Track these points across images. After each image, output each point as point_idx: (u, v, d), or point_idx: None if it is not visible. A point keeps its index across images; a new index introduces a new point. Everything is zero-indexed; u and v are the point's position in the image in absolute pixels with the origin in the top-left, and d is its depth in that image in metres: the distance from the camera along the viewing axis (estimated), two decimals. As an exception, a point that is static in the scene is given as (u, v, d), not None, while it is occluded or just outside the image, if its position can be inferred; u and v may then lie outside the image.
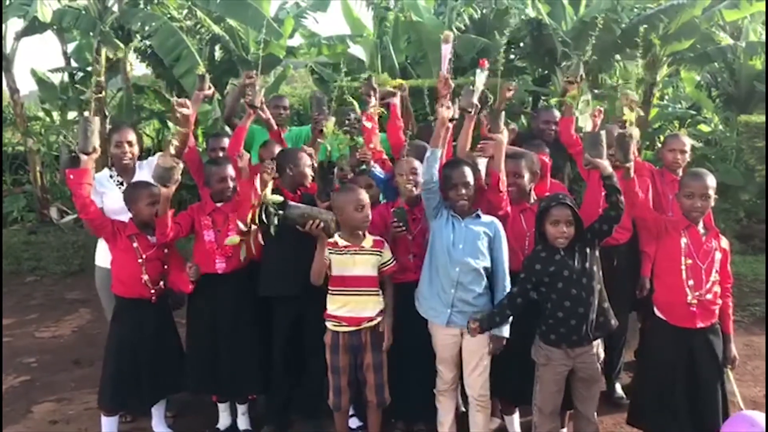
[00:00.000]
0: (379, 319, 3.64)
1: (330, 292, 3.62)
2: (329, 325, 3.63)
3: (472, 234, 3.57)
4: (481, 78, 3.85)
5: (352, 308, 3.58)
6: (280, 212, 3.41)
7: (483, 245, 3.58)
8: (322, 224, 3.44)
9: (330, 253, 3.54)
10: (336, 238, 3.59)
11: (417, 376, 3.80)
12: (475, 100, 3.80)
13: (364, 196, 3.60)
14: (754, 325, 5.96)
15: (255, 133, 4.85)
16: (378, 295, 3.64)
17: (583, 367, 3.43)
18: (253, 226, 3.50)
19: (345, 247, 3.58)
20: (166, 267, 3.94)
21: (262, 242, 3.64)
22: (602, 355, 3.53)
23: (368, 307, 3.60)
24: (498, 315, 3.47)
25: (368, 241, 3.63)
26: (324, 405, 3.80)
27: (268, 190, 3.54)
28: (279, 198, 3.48)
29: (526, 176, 3.85)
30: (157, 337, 3.92)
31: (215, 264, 3.93)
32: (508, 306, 3.46)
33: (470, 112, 3.81)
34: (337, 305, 3.60)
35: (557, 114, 4.75)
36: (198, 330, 4.04)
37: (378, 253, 3.63)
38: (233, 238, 3.64)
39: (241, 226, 3.63)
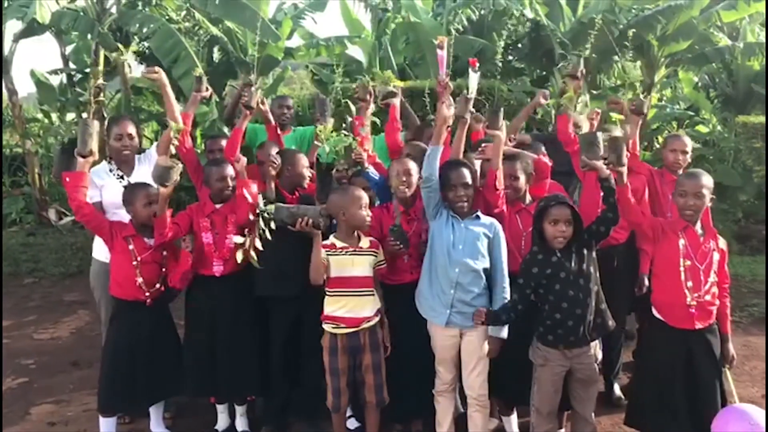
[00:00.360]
0: (376, 319, 3.64)
1: (328, 293, 3.61)
2: (327, 327, 3.62)
3: (472, 235, 3.58)
4: (474, 79, 3.85)
5: (351, 309, 3.57)
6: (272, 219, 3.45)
7: (482, 246, 3.58)
8: (310, 220, 3.45)
9: (328, 255, 3.54)
10: (332, 239, 3.59)
11: (415, 377, 3.80)
12: (470, 106, 3.79)
13: (365, 194, 3.62)
14: (752, 325, 5.97)
15: (258, 133, 4.85)
16: (374, 295, 3.65)
17: (580, 368, 3.43)
18: (249, 237, 3.59)
19: (343, 248, 3.58)
20: (164, 270, 3.93)
21: (261, 248, 3.66)
22: (600, 355, 3.54)
23: (366, 307, 3.60)
24: (503, 314, 3.48)
25: (365, 241, 3.64)
26: (322, 406, 3.80)
27: (260, 199, 3.57)
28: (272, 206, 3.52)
29: (522, 178, 3.86)
30: (154, 340, 3.90)
31: (213, 266, 3.93)
32: (512, 310, 3.47)
33: (465, 119, 3.82)
34: (335, 306, 3.59)
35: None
36: (196, 332, 4.03)
37: (374, 253, 3.65)
38: (237, 238, 3.69)
39: (237, 239, 3.69)
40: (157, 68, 4.01)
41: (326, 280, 3.57)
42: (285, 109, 5.07)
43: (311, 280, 3.54)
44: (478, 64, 3.91)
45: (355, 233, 3.62)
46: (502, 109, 3.85)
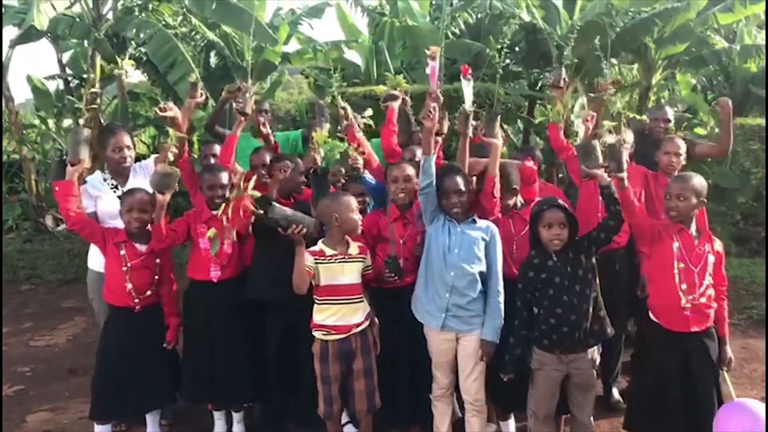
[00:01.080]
0: (367, 323, 3.60)
1: (318, 302, 3.55)
2: (318, 334, 3.56)
3: (468, 239, 3.56)
4: (468, 89, 3.83)
5: (342, 317, 3.52)
6: (261, 212, 3.41)
7: (479, 250, 3.57)
8: (304, 230, 3.41)
9: (317, 263, 3.48)
10: (321, 246, 3.53)
11: (412, 382, 3.78)
12: (471, 120, 3.76)
13: (354, 199, 3.60)
14: (751, 328, 5.96)
15: (240, 141, 4.81)
16: (364, 301, 3.61)
17: (577, 373, 3.42)
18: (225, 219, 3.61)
19: (332, 255, 3.52)
20: (156, 277, 3.91)
21: (235, 239, 3.72)
22: (598, 360, 3.52)
23: (357, 314, 3.55)
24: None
25: (354, 248, 3.59)
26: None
27: (250, 185, 3.54)
28: (257, 193, 3.48)
29: (506, 196, 3.83)
30: (147, 347, 3.88)
31: (210, 272, 3.91)
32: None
33: (466, 133, 3.79)
34: (325, 314, 3.52)
35: (669, 112, 4.97)
36: (193, 338, 4.01)
37: (363, 259, 3.61)
38: (211, 231, 3.71)
39: (209, 234, 3.71)
40: (170, 105, 3.94)
41: (315, 288, 3.52)
42: (263, 114, 5.03)
43: (295, 289, 3.45)
44: (470, 71, 3.88)
45: (345, 240, 3.58)
46: (498, 117, 3.83)
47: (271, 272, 3.80)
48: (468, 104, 3.77)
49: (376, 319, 3.68)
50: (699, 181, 3.46)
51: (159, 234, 3.77)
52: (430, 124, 3.59)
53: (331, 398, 3.56)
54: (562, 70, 4.11)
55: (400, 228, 3.84)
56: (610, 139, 3.46)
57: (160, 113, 3.86)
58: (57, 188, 3.75)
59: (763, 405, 3.30)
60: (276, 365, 3.98)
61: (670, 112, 5.04)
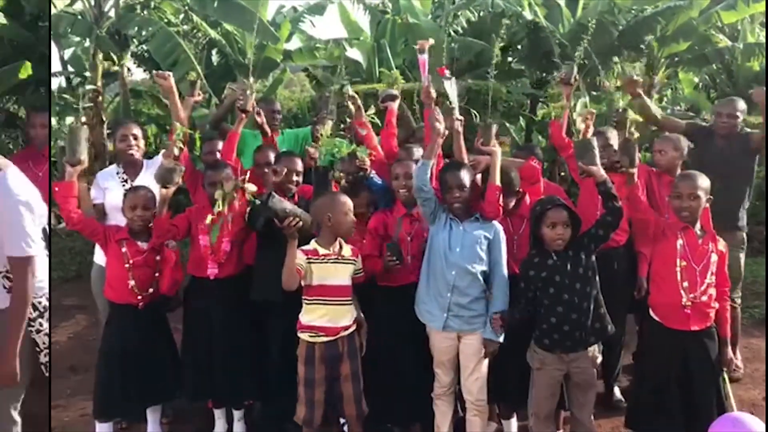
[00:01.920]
0: (354, 327, 3.55)
1: (307, 302, 3.48)
2: (305, 336, 3.47)
3: (471, 238, 3.55)
4: (451, 87, 3.82)
5: (331, 318, 3.45)
6: (258, 202, 3.40)
7: (482, 249, 3.55)
8: (300, 223, 3.38)
9: (310, 262, 3.42)
10: (314, 245, 3.48)
11: (413, 380, 3.77)
12: (457, 114, 3.78)
13: (349, 201, 3.54)
14: (752, 327, 5.93)
15: (246, 138, 4.81)
16: (352, 304, 3.56)
17: (577, 372, 3.41)
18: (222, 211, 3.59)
19: (325, 255, 3.46)
20: (157, 274, 3.91)
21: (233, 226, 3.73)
22: (599, 358, 3.51)
23: (346, 316, 3.50)
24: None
25: (347, 249, 3.53)
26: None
27: (246, 177, 3.53)
28: (254, 187, 3.47)
29: (508, 197, 3.81)
30: (147, 344, 3.88)
31: (207, 269, 3.90)
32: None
33: (458, 130, 3.79)
34: (315, 315, 3.45)
35: (738, 107, 4.92)
36: (193, 336, 4.01)
37: (354, 262, 3.55)
38: (209, 217, 3.70)
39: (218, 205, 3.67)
40: (168, 74, 4.00)
41: (305, 288, 3.45)
42: (276, 114, 5.02)
43: (284, 286, 3.38)
44: (447, 72, 3.88)
45: (338, 240, 3.52)
46: (494, 125, 3.82)
47: (276, 273, 3.78)
48: (453, 101, 3.79)
49: (365, 322, 3.64)
50: (705, 180, 3.46)
51: (160, 228, 3.78)
52: (440, 129, 3.59)
53: (313, 402, 3.46)
54: (574, 68, 4.10)
55: (407, 225, 3.82)
56: (611, 133, 3.46)
57: (157, 79, 3.87)
58: (57, 189, 3.75)
59: (758, 420, 3.28)
60: (278, 365, 3.96)
61: (740, 107, 4.90)
